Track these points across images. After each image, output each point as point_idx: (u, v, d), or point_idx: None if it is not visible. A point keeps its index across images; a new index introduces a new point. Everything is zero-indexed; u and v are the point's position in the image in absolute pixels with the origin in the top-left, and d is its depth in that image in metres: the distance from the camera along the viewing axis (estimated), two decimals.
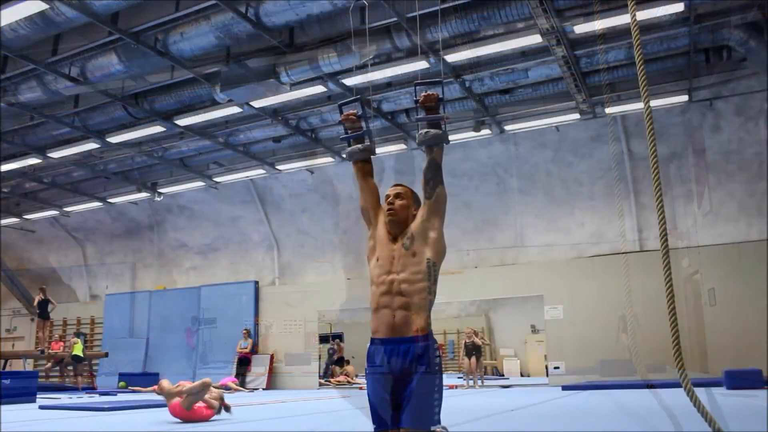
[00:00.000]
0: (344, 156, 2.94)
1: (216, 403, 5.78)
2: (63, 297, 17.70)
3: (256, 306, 14.77)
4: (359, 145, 2.89)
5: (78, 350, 13.44)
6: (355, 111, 2.87)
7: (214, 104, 9.78)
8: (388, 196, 2.81)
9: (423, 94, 2.69)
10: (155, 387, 5.84)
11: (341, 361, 17.49)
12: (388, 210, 2.77)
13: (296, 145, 11.93)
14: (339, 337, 21.55)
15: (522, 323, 20.38)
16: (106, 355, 14.14)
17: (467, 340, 12.74)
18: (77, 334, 14.45)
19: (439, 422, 2.61)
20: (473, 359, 12.54)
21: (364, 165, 2.91)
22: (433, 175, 2.72)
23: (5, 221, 16.21)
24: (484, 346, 13.25)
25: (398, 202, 2.78)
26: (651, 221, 11.70)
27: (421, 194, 2.77)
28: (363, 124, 2.89)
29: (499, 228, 13.02)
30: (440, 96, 2.67)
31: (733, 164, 10.97)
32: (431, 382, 2.64)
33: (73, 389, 13.22)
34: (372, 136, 2.93)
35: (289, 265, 15.03)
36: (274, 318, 14.62)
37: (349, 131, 2.90)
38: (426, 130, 2.70)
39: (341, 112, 2.92)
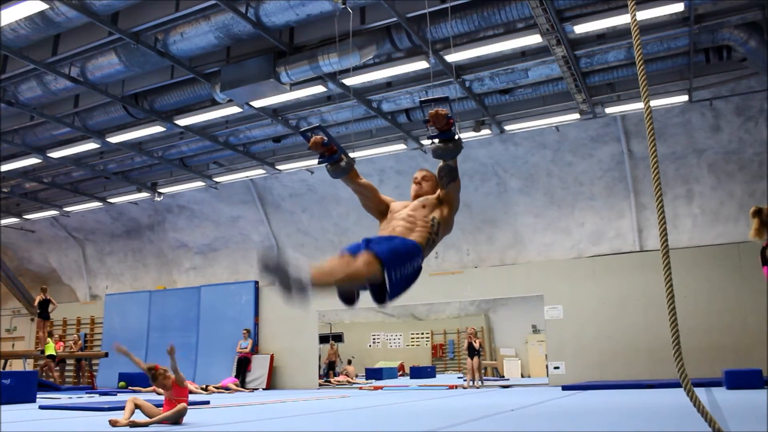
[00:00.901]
0: (330, 175, 3.10)
1: (168, 382, 5.41)
2: (63, 297, 17.72)
3: (256, 306, 14.77)
4: (341, 163, 3.08)
5: (50, 349, 13.44)
6: (321, 137, 2.98)
7: (214, 104, 9.79)
8: (415, 179, 3.21)
9: (431, 112, 2.74)
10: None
11: (333, 365, 17.48)
12: (416, 187, 3.18)
13: (296, 145, 11.94)
14: (339, 337, 21.55)
15: (522, 323, 20.38)
16: (106, 355, 14.14)
17: (469, 340, 12.75)
18: (49, 334, 14.44)
19: (391, 294, 2.71)
20: (476, 359, 12.56)
21: (353, 175, 3.19)
22: (447, 173, 2.99)
23: (5, 221, 16.21)
24: (482, 350, 13.29)
25: (425, 183, 3.18)
26: (651, 221, 11.71)
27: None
28: (334, 144, 3.02)
29: (499, 228, 13.02)
30: (449, 114, 2.73)
31: (733, 164, 10.97)
32: (408, 254, 2.80)
33: (73, 389, 13.23)
34: (345, 150, 3.10)
35: None
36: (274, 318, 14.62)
37: (324, 155, 3.06)
38: (439, 144, 2.85)
39: (307, 139, 3.06)
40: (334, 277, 2.58)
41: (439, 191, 3.08)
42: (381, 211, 3.18)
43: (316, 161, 3.10)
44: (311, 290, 2.43)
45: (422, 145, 11.55)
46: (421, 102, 2.80)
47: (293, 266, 2.37)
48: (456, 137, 2.83)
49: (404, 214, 3.02)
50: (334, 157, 3.02)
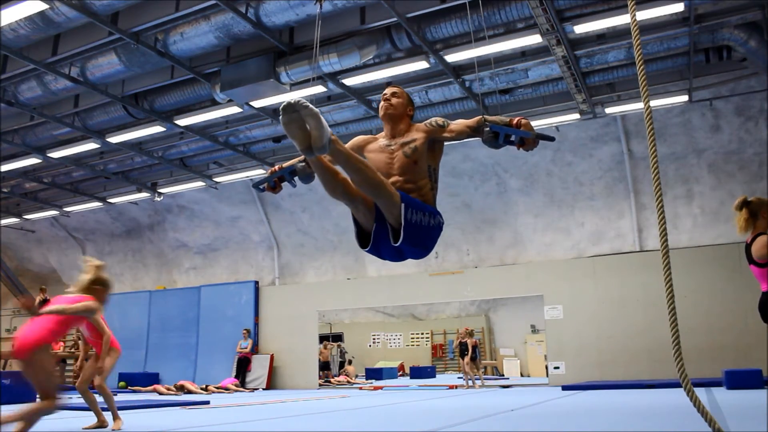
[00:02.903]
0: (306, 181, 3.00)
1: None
2: None
3: (256, 306, 14.77)
4: (300, 164, 2.93)
5: None
6: (267, 184, 2.96)
7: (214, 104, 9.79)
8: (384, 95, 2.97)
9: (531, 140, 2.67)
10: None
11: (327, 365, 17.40)
12: (385, 103, 2.93)
13: None
14: (339, 337, 21.52)
15: (522, 323, 20.40)
16: None
17: (462, 340, 12.73)
18: None
19: (404, 236, 2.62)
20: (467, 359, 12.52)
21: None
22: (472, 136, 2.84)
23: (5, 221, 16.21)
24: (478, 347, 13.20)
25: (395, 99, 2.94)
26: (651, 221, 11.71)
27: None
28: (279, 176, 2.97)
29: (499, 228, 13.02)
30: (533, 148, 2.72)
31: (733, 164, 10.98)
32: (425, 210, 2.68)
33: (73, 389, 13.20)
34: (290, 166, 2.98)
35: (289, 265, 15.04)
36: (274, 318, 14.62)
37: (288, 180, 2.97)
38: (496, 142, 2.74)
39: (264, 189, 3.03)
40: (356, 161, 2.45)
41: (433, 131, 2.84)
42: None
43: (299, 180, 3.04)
44: (328, 149, 2.32)
45: None
46: (537, 135, 2.69)
47: (318, 117, 2.26)
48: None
49: (401, 182, 2.79)
50: (287, 175, 2.97)
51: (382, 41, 8.07)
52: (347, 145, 3.00)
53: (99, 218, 16.32)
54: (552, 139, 2.79)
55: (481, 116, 2.78)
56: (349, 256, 14.17)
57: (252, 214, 14.77)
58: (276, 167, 3.00)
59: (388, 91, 2.99)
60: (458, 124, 2.85)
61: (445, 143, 2.93)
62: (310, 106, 2.28)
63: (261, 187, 3.02)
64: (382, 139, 2.97)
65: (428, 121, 2.90)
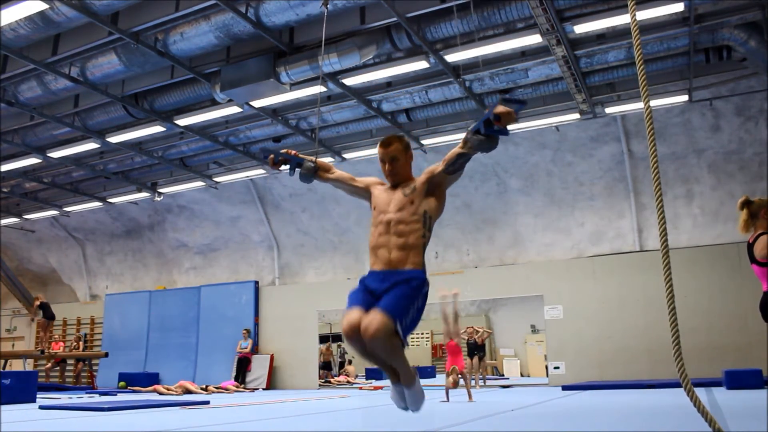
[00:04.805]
0: (302, 181, 3.26)
1: None
2: (63, 297, 17.71)
3: (256, 306, 14.77)
4: (309, 164, 3.15)
5: None
6: (272, 156, 3.17)
7: (214, 104, 9.79)
8: (383, 161, 3.06)
9: (505, 111, 2.62)
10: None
11: (328, 365, 17.42)
12: (390, 173, 3.05)
13: (296, 145, 11.94)
14: (339, 337, 21.46)
15: (522, 323, 20.39)
16: (106, 355, 14.15)
17: (469, 339, 12.74)
18: None
19: (404, 337, 2.79)
20: (476, 359, 12.54)
21: (323, 172, 3.20)
22: (462, 163, 2.92)
23: (5, 221, 16.21)
24: (486, 334, 13.29)
25: (396, 165, 3.05)
26: (651, 221, 11.70)
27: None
28: (285, 157, 3.17)
29: (499, 228, 13.02)
30: (516, 117, 2.70)
31: (733, 164, 10.97)
32: (412, 296, 2.84)
33: (73, 389, 13.22)
34: (302, 159, 3.19)
35: (289, 265, 15.03)
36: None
37: (286, 164, 3.20)
38: (483, 138, 2.72)
39: (266, 159, 3.25)
40: (360, 343, 2.77)
41: (431, 178, 2.97)
42: (367, 198, 3.17)
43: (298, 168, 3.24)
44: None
45: (422, 144, 11.54)
46: (503, 99, 2.65)
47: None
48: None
49: (394, 222, 2.93)
50: (292, 164, 3.17)
51: (382, 41, 8.07)
52: (361, 181, 3.20)
53: (99, 218, 16.31)
54: (524, 102, 2.75)
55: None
56: (349, 256, 14.16)
57: (252, 214, 14.76)
58: (292, 151, 3.19)
59: (385, 156, 3.05)
60: (448, 153, 2.98)
61: (450, 177, 2.98)
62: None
63: (266, 155, 3.19)
64: (388, 185, 3.15)
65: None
